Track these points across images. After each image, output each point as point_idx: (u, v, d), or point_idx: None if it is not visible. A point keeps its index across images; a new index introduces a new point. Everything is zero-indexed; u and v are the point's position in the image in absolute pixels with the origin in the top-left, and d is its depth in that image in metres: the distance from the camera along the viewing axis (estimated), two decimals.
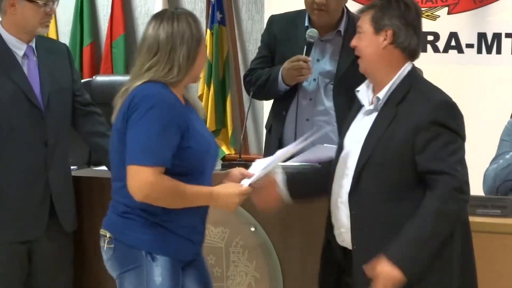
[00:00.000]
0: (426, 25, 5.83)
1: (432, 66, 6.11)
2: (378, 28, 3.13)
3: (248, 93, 4.77)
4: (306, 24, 4.42)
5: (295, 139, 4.22)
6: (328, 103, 4.42)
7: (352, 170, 3.24)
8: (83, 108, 4.26)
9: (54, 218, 4.02)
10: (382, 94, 3.12)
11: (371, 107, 3.17)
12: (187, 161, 3.11)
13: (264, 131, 5.24)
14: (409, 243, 3.13)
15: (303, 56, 4.24)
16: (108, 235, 3.09)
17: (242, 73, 6.03)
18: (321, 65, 4.36)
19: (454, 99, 3.23)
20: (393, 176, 3.17)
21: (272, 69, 4.44)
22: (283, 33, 4.57)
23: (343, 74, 4.34)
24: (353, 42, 3.20)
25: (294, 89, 4.43)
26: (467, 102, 5.83)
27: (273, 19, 4.80)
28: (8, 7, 4.01)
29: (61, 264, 4.18)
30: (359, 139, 3.18)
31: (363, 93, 3.26)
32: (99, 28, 7.66)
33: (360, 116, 3.30)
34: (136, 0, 7.57)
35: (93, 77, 5.97)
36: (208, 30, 6.98)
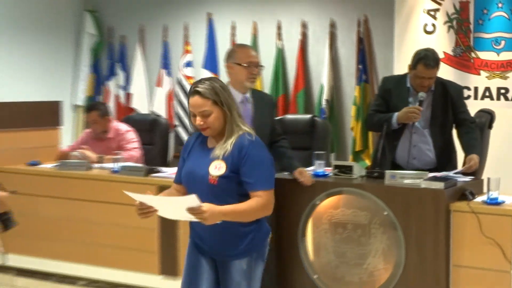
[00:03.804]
0: (499, 82, 6.97)
1: (503, 110, 6.85)
2: None
3: (368, 127, 5.98)
4: (408, 85, 5.38)
5: (408, 159, 5.35)
6: (427, 134, 5.40)
7: None
8: (276, 137, 5.09)
9: None
10: None
11: None
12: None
13: None
14: None
15: (417, 107, 5.18)
16: None
17: None
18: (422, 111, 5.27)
19: None
20: None
21: (387, 115, 5.35)
22: (394, 88, 5.48)
23: (435, 116, 5.38)
24: None
25: (402, 127, 5.35)
26: None
27: (385, 79, 5.75)
28: (229, 69, 4.91)
29: None
30: None
31: None
32: (288, 83, 8.42)
33: None
34: (311, 65, 8.43)
35: (283, 116, 6.80)
36: (358, 86, 7.87)
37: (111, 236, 6.07)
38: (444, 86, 5.47)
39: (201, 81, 3.55)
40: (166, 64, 9.16)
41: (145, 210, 3.40)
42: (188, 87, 8.77)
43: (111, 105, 9.12)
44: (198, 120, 3.50)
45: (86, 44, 9.55)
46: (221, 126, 3.54)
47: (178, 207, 3.36)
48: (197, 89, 3.50)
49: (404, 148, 5.42)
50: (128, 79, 9.40)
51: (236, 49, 5.10)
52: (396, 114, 5.33)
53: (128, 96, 9.37)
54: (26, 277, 6.18)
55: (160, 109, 8.96)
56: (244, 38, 8.58)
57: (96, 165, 6.42)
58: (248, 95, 4.98)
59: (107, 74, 9.54)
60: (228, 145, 3.48)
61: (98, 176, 6.15)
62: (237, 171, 3.48)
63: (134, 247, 5.88)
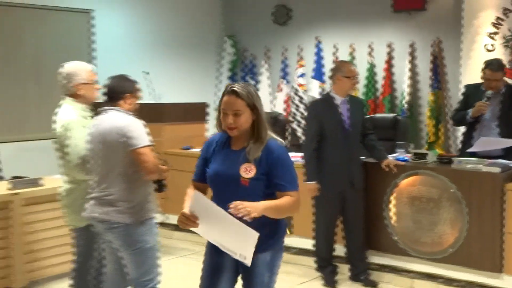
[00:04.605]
0: None
1: None
2: None
3: (453, 123, 5.81)
4: (482, 89, 5.26)
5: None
6: (495, 127, 5.23)
7: None
8: (366, 131, 5.05)
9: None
10: None
11: None
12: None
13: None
14: None
15: (485, 102, 5.13)
16: None
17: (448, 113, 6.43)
18: (491, 106, 5.19)
19: None
20: None
21: (465, 111, 5.29)
22: (472, 92, 5.40)
23: (503, 112, 5.23)
24: None
25: (475, 121, 5.27)
26: None
27: (466, 86, 5.68)
28: (337, 80, 4.91)
29: None
30: None
31: None
32: (377, 90, 8.26)
33: None
34: (395, 76, 8.19)
35: (373, 115, 6.93)
36: (431, 92, 7.67)
37: None
38: (511, 88, 5.36)
39: (238, 83, 2.97)
40: (284, 75, 9.20)
41: (189, 222, 2.80)
42: (301, 93, 8.86)
43: None
44: (230, 119, 2.89)
45: (226, 60, 9.72)
46: (247, 129, 2.94)
47: (233, 231, 2.74)
48: (234, 89, 2.91)
49: (476, 138, 5.27)
50: (256, 86, 9.45)
51: (343, 65, 5.09)
52: (470, 110, 5.27)
53: None
54: (182, 232, 6.24)
55: (279, 109, 9.03)
56: (343, 55, 8.59)
57: None
58: (346, 99, 4.98)
59: None
60: (258, 149, 2.89)
61: None
62: (265, 173, 2.89)
63: None
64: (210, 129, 7.18)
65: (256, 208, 2.74)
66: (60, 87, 3.94)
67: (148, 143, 3.50)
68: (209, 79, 9.69)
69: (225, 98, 2.93)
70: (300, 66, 8.99)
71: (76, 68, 3.88)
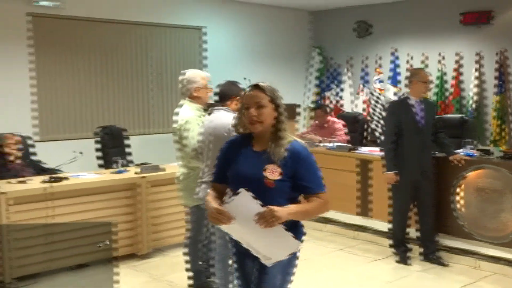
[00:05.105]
0: None
1: None
2: None
3: None
4: None
5: None
6: None
7: None
8: (437, 129, 4.85)
9: None
10: None
11: None
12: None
13: None
14: None
15: None
16: None
17: None
18: None
19: None
20: None
21: None
22: None
23: None
24: None
25: None
26: None
27: None
28: (412, 84, 4.73)
29: None
30: None
31: None
32: (447, 93, 7.90)
33: None
34: (463, 81, 7.86)
35: (444, 115, 6.61)
36: (496, 96, 7.38)
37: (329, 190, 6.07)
38: None
39: (261, 81, 2.49)
40: (364, 80, 9.02)
41: (223, 219, 2.29)
42: (379, 97, 8.68)
43: (329, 106, 9.09)
44: (253, 111, 2.38)
45: (314, 68, 9.63)
46: (268, 127, 2.42)
47: (272, 235, 2.28)
48: (258, 84, 2.45)
49: None
50: (339, 90, 9.40)
51: (418, 71, 4.97)
52: None
53: (340, 101, 9.33)
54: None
55: (359, 109, 8.88)
56: (417, 63, 8.36)
57: (318, 144, 6.40)
58: (420, 101, 4.86)
59: (326, 87, 9.56)
60: (281, 150, 2.37)
61: (320, 151, 6.12)
62: (291, 175, 2.38)
63: (340, 196, 5.82)
64: (301, 126, 7.14)
65: (283, 215, 2.27)
66: (180, 90, 4.05)
67: None
68: (299, 84, 9.64)
69: (248, 93, 2.45)
70: (378, 72, 8.80)
71: (194, 75, 3.98)
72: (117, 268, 4.57)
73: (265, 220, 2.23)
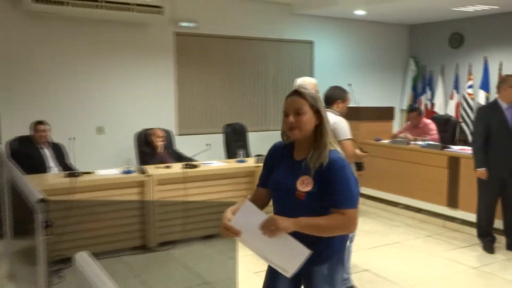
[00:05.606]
0: None
1: None
2: None
3: None
4: None
5: None
6: None
7: None
8: None
9: None
10: None
11: None
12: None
13: None
14: None
15: None
16: None
17: None
18: None
19: None
20: None
21: None
22: None
23: None
24: None
25: None
26: None
27: None
28: (502, 90, 4.43)
29: None
30: None
31: None
32: None
33: None
34: None
35: None
36: None
37: (417, 184, 5.78)
38: None
39: (302, 88, 2.07)
40: (456, 86, 8.48)
41: (229, 233, 1.95)
42: (470, 102, 8.12)
43: (423, 109, 8.66)
44: (291, 118, 2.00)
45: (409, 75, 9.20)
46: (308, 133, 2.01)
47: (281, 244, 1.91)
48: (298, 90, 2.03)
49: None
50: (432, 95, 8.92)
51: (509, 78, 4.56)
52: None
53: (432, 105, 8.84)
54: (374, 201, 6.01)
55: (451, 112, 8.36)
56: (507, 71, 7.63)
57: (412, 142, 6.13)
58: (510, 105, 4.49)
59: (420, 92, 9.11)
60: (320, 156, 1.95)
61: (413, 148, 5.88)
62: (323, 186, 1.93)
63: (431, 189, 5.58)
64: (396, 126, 6.89)
65: (285, 224, 1.90)
66: None
67: (349, 137, 3.38)
68: (395, 89, 9.26)
69: (288, 99, 2.05)
70: (470, 79, 8.19)
71: (305, 81, 3.91)
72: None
73: (267, 228, 1.89)
